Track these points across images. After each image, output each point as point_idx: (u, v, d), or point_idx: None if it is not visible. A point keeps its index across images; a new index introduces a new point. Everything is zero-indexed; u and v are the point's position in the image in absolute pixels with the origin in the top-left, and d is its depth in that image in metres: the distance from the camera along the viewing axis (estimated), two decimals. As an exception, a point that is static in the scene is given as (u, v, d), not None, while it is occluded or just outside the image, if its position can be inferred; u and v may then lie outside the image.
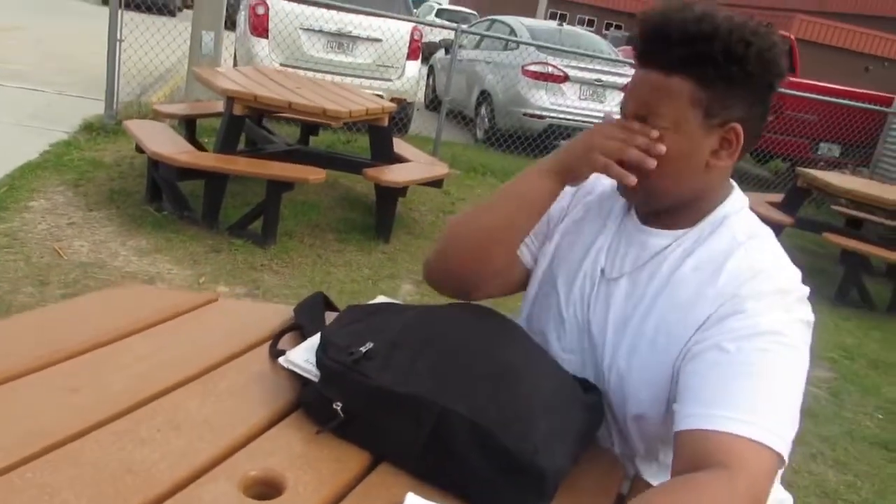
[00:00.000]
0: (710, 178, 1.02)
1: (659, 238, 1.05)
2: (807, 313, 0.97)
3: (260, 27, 6.35)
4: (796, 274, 0.99)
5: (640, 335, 1.01)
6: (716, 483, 0.82)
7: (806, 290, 0.99)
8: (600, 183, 1.16)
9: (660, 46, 0.96)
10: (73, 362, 0.97)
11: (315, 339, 1.01)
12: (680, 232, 1.04)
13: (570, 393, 0.97)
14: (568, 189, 1.11)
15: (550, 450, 0.85)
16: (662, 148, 0.97)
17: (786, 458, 0.87)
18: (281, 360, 1.02)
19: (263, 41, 6.37)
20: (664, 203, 1.04)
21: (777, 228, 5.11)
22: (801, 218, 5.39)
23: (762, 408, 0.88)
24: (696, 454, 0.86)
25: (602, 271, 1.08)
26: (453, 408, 0.87)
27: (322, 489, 0.82)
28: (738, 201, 1.06)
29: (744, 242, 1.00)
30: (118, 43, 5.26)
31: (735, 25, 0.94)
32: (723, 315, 0.94)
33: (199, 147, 4.47)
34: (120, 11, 5.19)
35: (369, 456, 0.90)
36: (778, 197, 5.60)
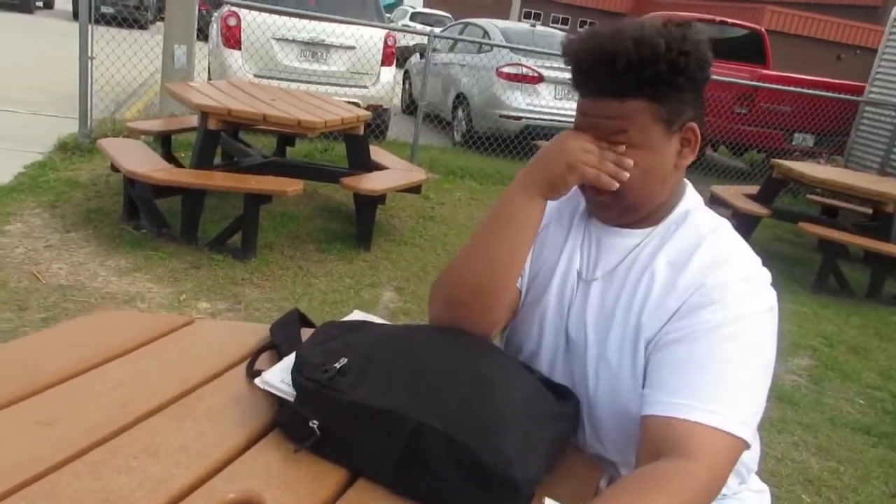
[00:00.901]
0: (676, 178, 1.07)
1: (628, 238, 1.09)
2: (772, 299, 1.01)
3: (232, 39, 6.33)
4: (757, 261, 1.04)
5: (624, 330, 1.04)
6: (678, 476, 0.86)
7: (768, 275, 1.04)
8: None
9: (607, 77, 0.98)
10: (48, 394, 0.97)
11: (290, 359, 1.02)
12: (647, 230, 1.08)
13: (543, 403, 0.99)
14: None
15: (523, 461, 0.87)
16: (630, 162, 1.01)
17: (749, 441, 0.92)
18: (257, 381, 1.03)
19: (236, 53, 6.35)
20: (640, 215, 1.08)
21: (754, 220, 5.18)
22: (778, 208, 5.46)
23: (725, 396, 0.92)
24: (660, 440, 0.92)
25: (578, 273, 1.11)
26: (427, 422, 0.88)
27: (301, 508, 0.83)
28: (694, 195, 1.11)
29: (707, 235, 1.05)
30: (90, 60, 5.22)
31: (669, 39, 0.96)
32: (692, 306, 0.99)
33: (176, 163, 4.46)
34: (90, 27, 5.15)
35: (346, 472, 0.91)
36: (754, 188, 5.67)
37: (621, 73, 0.97)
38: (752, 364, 0.96)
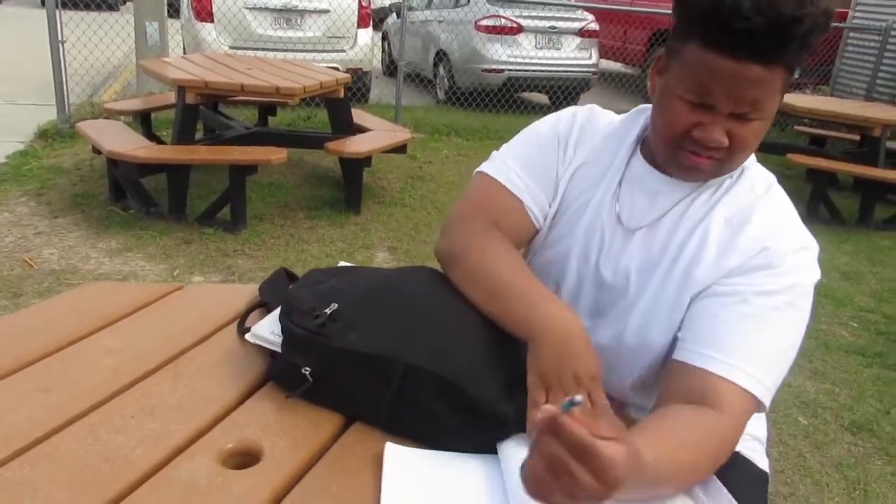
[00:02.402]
0: None
1: (678, 187, 1.03)
2: (818, 272, 1.00)
3: (204, 12, 6.23)
4: (805, 229, 1.03)
5: (668, 279, 1.02)
6: (708, 422, 0.88)
7: (817, 245, 1.02)
8: (600, 124, 1.12)
9: (773, 41, 0.86)
10: (42, 364, 0.99)
11: (279, 311, 1.03)
12: (698, 182, 1.03)
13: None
14: (569, 139, 1.10)
15: (510, 395, 0.89)
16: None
17: (766, 405, 0.94)
18: (247, 336, 1.04)
19: (209, 26, 6.25)
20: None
21: (742, 155, 5.17)
22: (766, 142, 5.41)
23: (761, 361, 0.93)
24: (691, 388, 0.92)
25: (618, 218, 1.06)
26: (418, 364, 0.89)
27: (299, 452, 0.85)
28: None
29: (762, 195, 1.02)
30: (60, 45, 5.14)
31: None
32: (752, 267, 0.97)
33: (157, 140, 4.42)
34: (58, 12, 5.06)
35: (342, 417, 0.93)
36: (740, 124, 5.64)
37: (792, 39, 0.85)
38: (792, 336, 0.96)
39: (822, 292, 3.63)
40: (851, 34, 7.85)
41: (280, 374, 0.97)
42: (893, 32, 7.18)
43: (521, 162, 1.10)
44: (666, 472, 0.81)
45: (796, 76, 8.14)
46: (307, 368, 0.92)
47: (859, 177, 4.91)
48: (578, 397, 0.66)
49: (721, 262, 0.99)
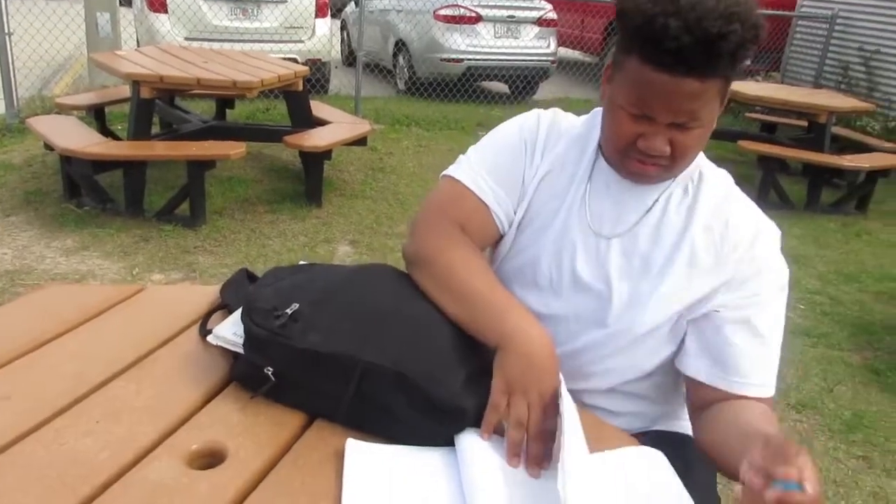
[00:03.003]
0: None
1: (646, 192, 1.08)
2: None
3: (157, 2, 6.11)
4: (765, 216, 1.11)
5: (656, 290, 1.06)
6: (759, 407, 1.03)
7: (778, 230, 1.11)
8: (562, 129, 1.15)
9: (703, 58, 0.90)
10: (2, 371, 0.99)
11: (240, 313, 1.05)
12: (664, 184, 1.08)
13: None
14: (536, 145, 1.13)
15: (469, 390, 0.93)
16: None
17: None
18: (209, 337, 1.06)
19: (163, 16, 6.14)
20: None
21: (696, 142, 5.29)
22: (718, 129, 5.53)
23: (773, 371, 1.07)
24: (716, 401, 1.06)
25: (589, 226, 1.09)
26: (378, 361, 0.93)
27: (263, 451, 0.88)
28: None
29: (729, 195, 1.09)
30: (7, 37, 5.00)
31: (746, 11, 0.90)
32: (744, 277, 1.05)
33: (112, 136, 4.35)
34: (3, 2, 4.92)
35: (304, 416, 0.96)
36: (694, 112, 5.76)
37: (722, 55, 0.89)
38: (781, 331, 1.08)
39: (771, 276, 3.75)
40: (800, 22, 8.06)
41: (243, 374, 1.00)
42: (839, 21, 7.40)
43: (487, 166, 1.13)
44: None
45: (748, 64, 8.34)
46: (269, 368, 0.95)
47: (807, 162, 5.07)
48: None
49: (711, 272, 1.05)
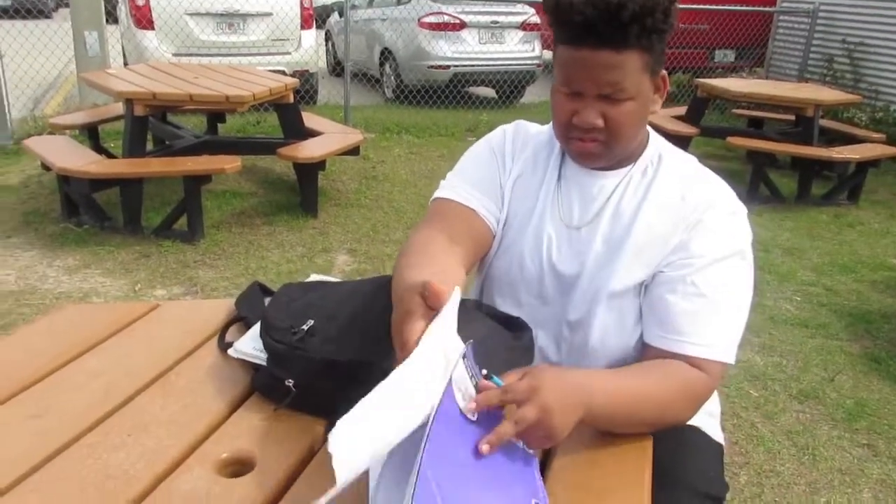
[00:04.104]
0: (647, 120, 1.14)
1: (607, 179, 1.14)
2: (750, 232, 1.12)
3: (144, 19, 6.13)
4: (734, 194, 1.14)
5: (623, 265, 1.11)
6: (675, 365, 1.04)
7: (745, 208, 1.14)
8: (529, 136, 1.22)
9: (610, 29, 0.97)
10: (29, 392, 1.02)
11: (259, 327, 1.09)
12: (624, 170, 1.14)
13: (499, 338, 1.07)
14: (505, 153, 1.20)
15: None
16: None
17: (733, 359, 1.07)
18: (230, 351, 1.10)
19: (150, 33, 6.16)
20: (620, 157, 1.13)
21: (685, 140, 5.34)
22: (706, 126, 5.64)
23: (720, 332, 1.06)
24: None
25: (561, 219, 1.16)
26: (390, 364, 0.96)
27: (290, 457, 0.91)
28: (657, 137, 1.18)
29: (688, 176, 1.13)
30: (-2, 59, 5.02)
31: None
32: (688, 241, 1.08)
33: (107, 154, 4.37)
34: (-8, 25, 4.94)
35: (326, 421, 0.99)
36: (682, 110, 5.83)
37: (626, 24, 0.96)
38: (741, 296, 1.08)
39: (766, 269, 3.80)
40: (782, 17, 8.15)
41: (264, 385, 1.03)
42: (821, 14, 7.48)
43: (466, 179, 1.19)
44: (622, 398, 0.96)
45: (733, 60, 8.42)
46: (290, 380, 0.99)
47: (796, 156, 5.12)
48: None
49: (665, 243, 1.09)
